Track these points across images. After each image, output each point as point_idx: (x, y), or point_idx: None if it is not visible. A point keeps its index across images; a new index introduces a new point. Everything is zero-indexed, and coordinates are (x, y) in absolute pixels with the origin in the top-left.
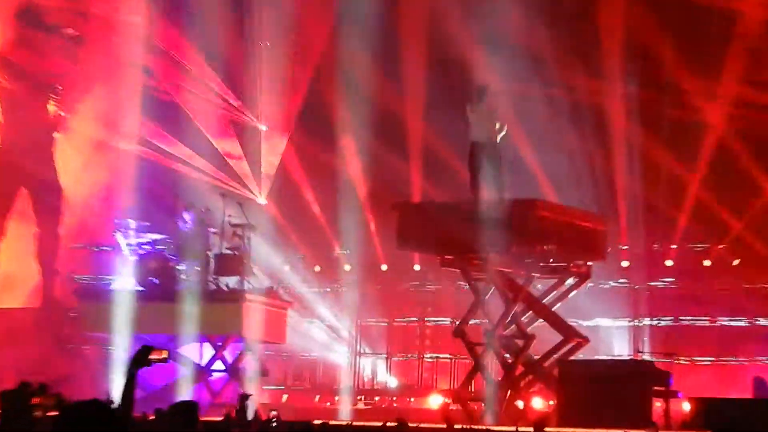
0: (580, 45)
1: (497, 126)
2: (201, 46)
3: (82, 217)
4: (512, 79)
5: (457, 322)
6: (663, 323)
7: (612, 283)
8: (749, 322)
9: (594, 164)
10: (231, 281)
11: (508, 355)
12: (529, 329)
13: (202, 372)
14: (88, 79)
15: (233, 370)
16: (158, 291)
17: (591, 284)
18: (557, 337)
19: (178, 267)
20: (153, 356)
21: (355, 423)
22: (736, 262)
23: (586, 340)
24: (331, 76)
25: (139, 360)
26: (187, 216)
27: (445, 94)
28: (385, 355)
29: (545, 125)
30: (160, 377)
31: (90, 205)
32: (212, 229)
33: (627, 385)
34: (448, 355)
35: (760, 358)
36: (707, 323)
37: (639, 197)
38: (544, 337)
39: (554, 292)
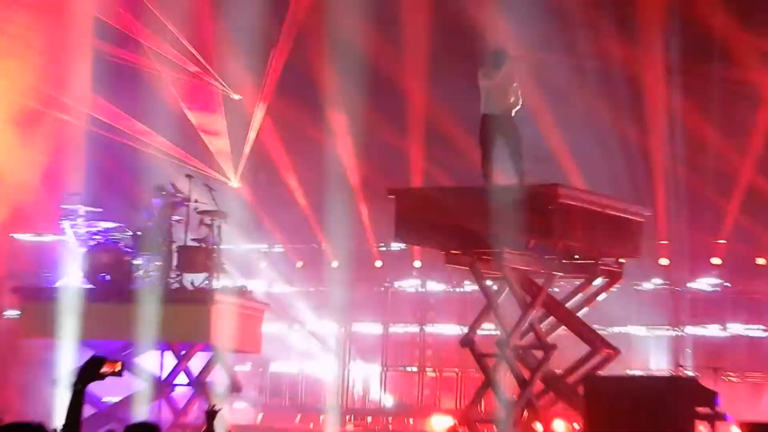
0: (613, 1)
1: (513, 98)
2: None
3: (20, 202)
4: (533, 42)
5: (465, 330)
6: (708, 332)
7: (649, 285)
8: None
9: (629, 144)
10: (197, 279)
11: (524, 369)
12: (549, 338)
13: (163, 386)
14: (20, 40)
15: (199, 384)
16: (111, 289)
17: (623, 286)
18: (583, 348)
19: (134, 261)
20: (105, 368)
21: None
22: None
23: (617, 351)
24: (318, 35)
25: (89, 372)
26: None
27: (453, 59)
28: (379, 368)
29: (572, 97)
30: (112, 392)
31: (30, 188)
32: (176, 217)
33: (666, 406)
34: (453, 369)
35: None
36: (761, 333)
37: (681, 183)
38: (567, 347)
39: (580, 295)
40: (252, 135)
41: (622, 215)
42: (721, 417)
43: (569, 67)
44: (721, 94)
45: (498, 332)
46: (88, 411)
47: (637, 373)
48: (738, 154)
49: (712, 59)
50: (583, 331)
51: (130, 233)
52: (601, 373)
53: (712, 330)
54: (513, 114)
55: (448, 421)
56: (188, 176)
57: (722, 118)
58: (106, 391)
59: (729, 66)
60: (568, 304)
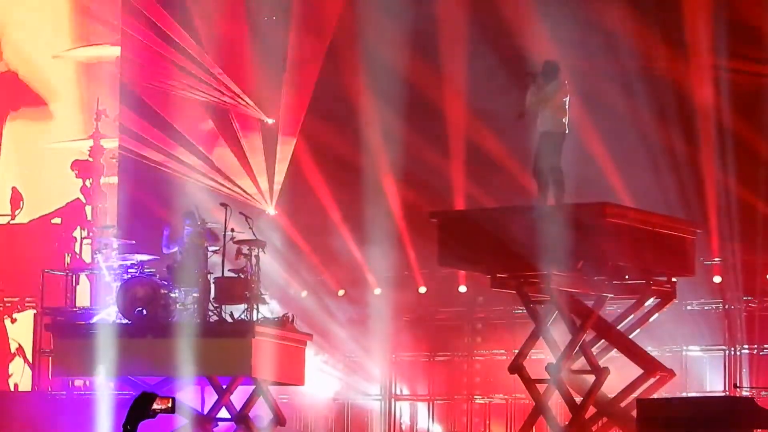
0: (659, 8)
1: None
2: (190, 23)
3: (54, 235)
4: (576, 50)
5: (514, 356)
6: (766, 351)
7: (702, 304)
8: None
9: (678, 156)
10: (236, 310)
11: (576, 394)
12: (601, 362)
13: (205, 421)
14: None
15: (242, 419)
16: (148, 324)
17: (676, 305)
18: (636, 371)
19: (171, 294)
20: (156, 405)
21: None
22: None
23: (671, 373)
24: (352, 55)
25: (139, 411)
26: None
27: (495, 74)
28: (426, 398)
29: (617, 108)
30: (152, 428)
31: (63, 220)
32: (212, 248)
33: (722, 428)
34: (502, 396)
35: None
36: None
37: (734, 197)
38: (619, 370)
39: (631, 316)
40: (288, 160)
41: (673, 233)
42: None
43: (615, 78)
44: None
45: (548, 357)
46: None
47: (692, 395)
48: None
49: (763, 67)
50: (635, 353)
51: (166, 266)
52: (655, 396)
53: None
54: (566, 130)
55: None
56: (223, 205)
57: None
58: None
59: None
60: (620, 326)
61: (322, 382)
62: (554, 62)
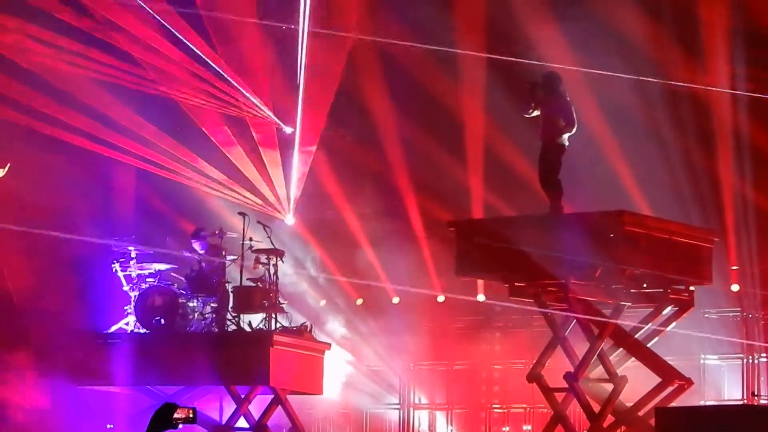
0: (677, 19)
1: (572, 126)
2: (206, 30)
3: (71, 244)
4: (595, 60)
5: (532, 364)
6: None
7: (720, 312)
8: None
9: (695, 165)
10: (255, 319)
11: (594, 403)
12: (619, 370)
13: (223, 431)
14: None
15: (260, 428)
16: (166, 333)
17: (694, 313)
18: (654, 380)
19: (189, 304)
20: (178, 414)
21: None
22: None
23: (689, 382)
24: (370, 63)
25: (161, 421)
26: (196, 242)
27: (513, 82)
28: (445, 407)
29: (634, 117)
30: None
31: (80, 228)
32: (230, 257)
33: None
34: (521, 405)
35: None
36: None
37: (751, 205)
38: (637, 379)
39: (649, 325)
40: (305, 169)
41: (690, 241)
42: None
43: (633, 89)
44: None
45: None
46: None
47: (710, 403)
48: None
49: None
50: (653, 361)
51: (184, 275)
52: (674, 404)
53: None
54: (566, 142)
55: None
56: (242, 214)
57: None
58: None
59: None
60: (638, 335)
61: (341, 391)
62: (555, 75)
